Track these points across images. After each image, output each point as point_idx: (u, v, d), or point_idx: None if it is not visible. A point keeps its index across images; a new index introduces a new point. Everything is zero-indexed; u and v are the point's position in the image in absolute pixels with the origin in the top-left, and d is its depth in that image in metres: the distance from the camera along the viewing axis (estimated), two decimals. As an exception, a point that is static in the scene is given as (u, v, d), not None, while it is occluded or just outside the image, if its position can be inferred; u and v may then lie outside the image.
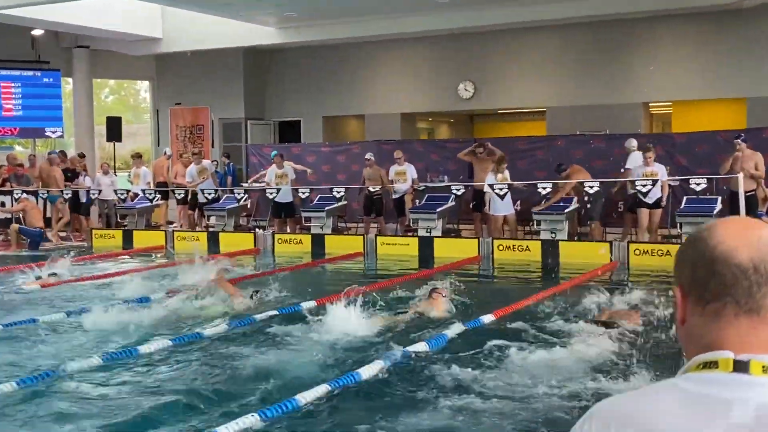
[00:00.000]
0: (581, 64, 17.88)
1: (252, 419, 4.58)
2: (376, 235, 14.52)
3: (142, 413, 5.01)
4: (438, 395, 5.34)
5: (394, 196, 15.09)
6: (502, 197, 13.52)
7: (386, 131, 19.05)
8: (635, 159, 13.22)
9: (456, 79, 19.25)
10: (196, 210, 16.67)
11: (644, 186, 12.70)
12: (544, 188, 13.26)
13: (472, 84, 19.17)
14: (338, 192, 15.28)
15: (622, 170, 13.50)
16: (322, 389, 5.26)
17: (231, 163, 19.12)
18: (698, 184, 12.18)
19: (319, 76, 20.68)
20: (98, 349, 6.80)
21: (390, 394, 5.45)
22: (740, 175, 9.03)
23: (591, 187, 12.97)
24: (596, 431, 1.14)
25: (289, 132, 21.36)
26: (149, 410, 5.07)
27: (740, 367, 1.09)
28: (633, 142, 13.84)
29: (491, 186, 13.51)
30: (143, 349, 6.67)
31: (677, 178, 13.18)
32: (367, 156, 15.39)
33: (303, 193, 15.21)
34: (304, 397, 5.05)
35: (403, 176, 15.12)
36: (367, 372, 5.70)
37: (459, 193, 14.47)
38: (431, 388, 5.53)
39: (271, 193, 15.42)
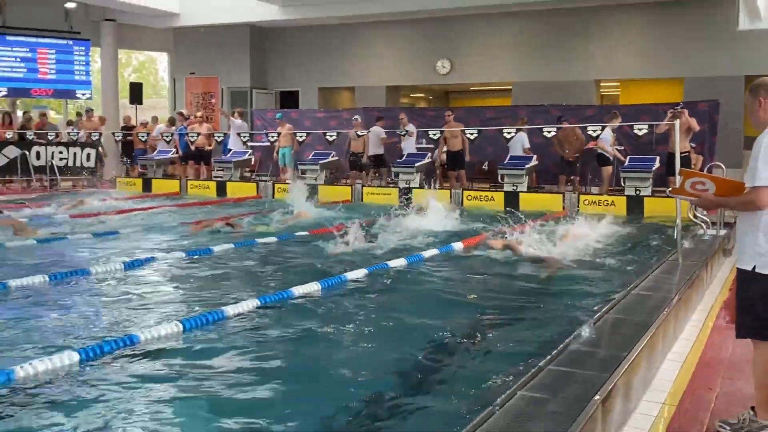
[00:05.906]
0: (542, 46, 18.53)
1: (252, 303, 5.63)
2: (362, 186, 15.21)
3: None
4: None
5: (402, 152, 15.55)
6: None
7: (373, 102, 19.58)
8: (607, 133, 13.61)
9: (435, 56, 19.83)
10: (201, 163, 17.07)
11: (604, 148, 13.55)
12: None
13: (449, 61, 19.69)
14: (330, 137, 15.62)
15: (596, 142, 13.80)
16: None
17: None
18: (640, 129, 12.44)
19: (316, 52, 21.13)
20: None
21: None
22: (676, 126, 7.99)
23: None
24: None
25: (288, 100, 21.66)
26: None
27: None
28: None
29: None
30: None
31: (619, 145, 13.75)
32: (355, 117, 15.94)
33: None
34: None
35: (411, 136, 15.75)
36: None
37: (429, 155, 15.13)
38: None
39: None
